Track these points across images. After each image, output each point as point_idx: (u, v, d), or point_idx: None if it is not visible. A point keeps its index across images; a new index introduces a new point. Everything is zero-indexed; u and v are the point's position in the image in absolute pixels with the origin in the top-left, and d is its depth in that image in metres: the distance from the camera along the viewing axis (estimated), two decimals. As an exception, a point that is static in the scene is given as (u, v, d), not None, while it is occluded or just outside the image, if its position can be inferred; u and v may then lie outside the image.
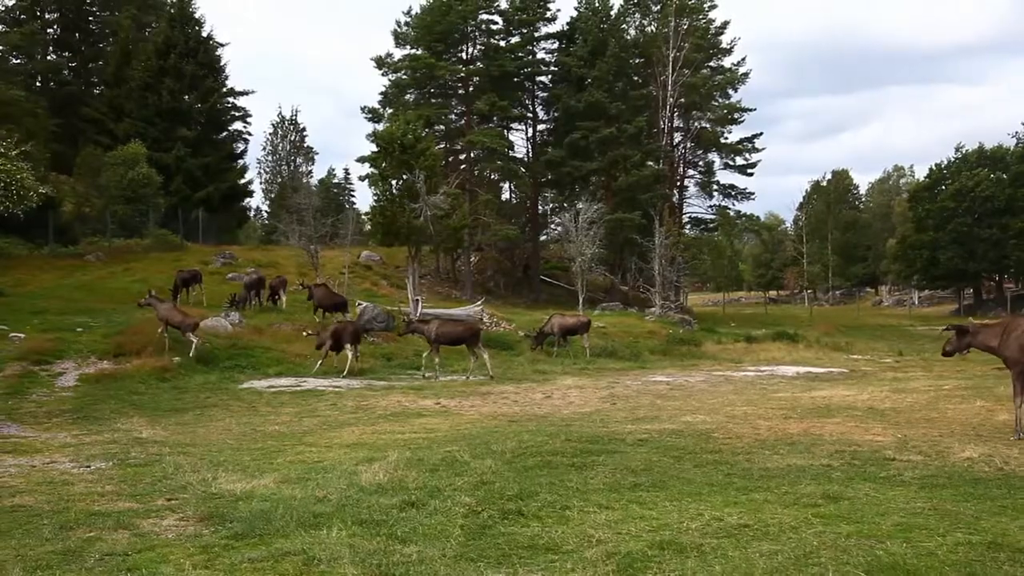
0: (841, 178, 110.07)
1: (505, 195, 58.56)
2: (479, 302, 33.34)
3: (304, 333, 24.81)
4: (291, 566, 6.44)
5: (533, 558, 6.75)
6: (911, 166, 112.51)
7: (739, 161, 57.02)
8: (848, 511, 8.13)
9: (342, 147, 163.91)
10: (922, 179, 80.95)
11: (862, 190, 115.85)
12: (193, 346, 22.39)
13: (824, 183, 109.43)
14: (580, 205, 40.34)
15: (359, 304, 30.59)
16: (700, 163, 58.84)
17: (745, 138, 57.37)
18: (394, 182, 32.16)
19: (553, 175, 52.38)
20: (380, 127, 47.91)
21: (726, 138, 57.26)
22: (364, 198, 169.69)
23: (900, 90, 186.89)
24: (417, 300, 28.22)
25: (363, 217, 56.61)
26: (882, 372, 26.72)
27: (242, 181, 58.95)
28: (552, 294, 53.68)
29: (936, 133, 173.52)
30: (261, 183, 67.49)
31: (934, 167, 75.70)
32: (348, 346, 22.82)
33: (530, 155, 54.94)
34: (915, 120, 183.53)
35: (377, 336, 27.92)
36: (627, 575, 6.35)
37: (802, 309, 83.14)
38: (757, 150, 56.90)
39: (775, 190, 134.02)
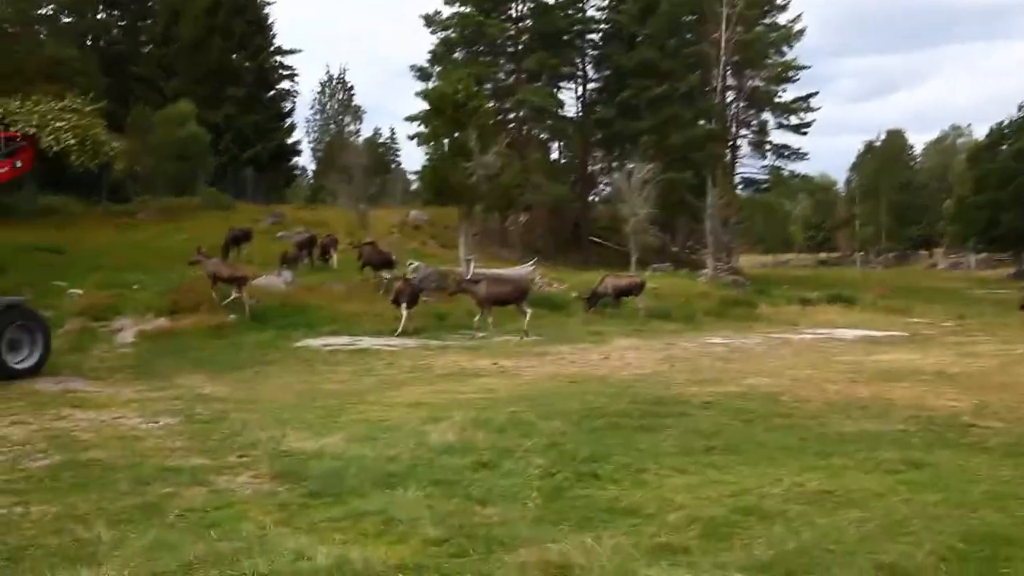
0: (895, 138, 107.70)
1: (554, 155, 58.12)
2: (531, 262, 33.19)
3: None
4: (371, 525, 6.39)
5: (613, 521, 6.65)
6: (969, 125, 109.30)
7: (793, 120, 55.96)
8: (933, 478, 7.93)
9: (388, 107, 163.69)
10: (982, 139, 79.14)
11: (917, 151, 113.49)
12: (243, 302, 22.61)
13: (878, 143, 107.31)
14: (632, 165, 39.81)
15: (410, 263, 30.54)
16: (753, 123, 57.84)
17: (799, 97, 56.18)
18: (446, 141, 31.99)
19: (603, 134, 51.82)
20: (430, 85, 47.68)
21: (780, 97, 56.22)
22: (412, 157, 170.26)
23: (957, 48, 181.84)
24: (469, 260, 28.17)
25: (411, 176, 56.59)
26: (944, 336, 26.18)
27: (290, 140, 59.13)
28: (601, 255, 53.23)
29: (992, 92, 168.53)
30: (309, 142, 67.71)
31: (995, 126, 73.95)
32: (404, 306, 22.86)
33: (580, 114, 54.36)
34: (972, 78, 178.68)
35: (429, 295, 27.86)
36: (712, 540, 6.22)
37: (854, 271, 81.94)
38: (812, 109, 55.68)
39: (827, 150, 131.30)
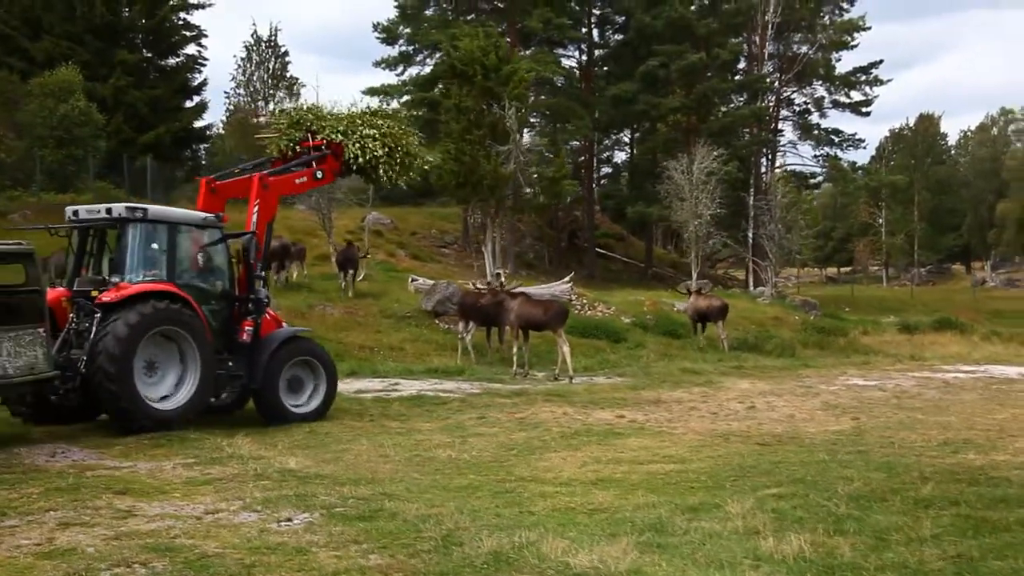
0: (927, 125, 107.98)
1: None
2: (567, 279, 31.63)
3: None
4: None
5: None
6: (1023, 108, 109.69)
7: (854, 97, 55.21)
8: None
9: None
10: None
11: (951, 140, 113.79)
12: None
13: (905, 131, 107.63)
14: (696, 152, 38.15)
15: (412, 279, 28.81)
16: (799, 101, 56.97)
17: (860, 67, 55.34)
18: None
19: (619, 115, 50.30)
20: (396, 51, 46.03)
21: (834, 66, 55.27)
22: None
23: (981, 15, 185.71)
24: (499, 273, 26.48)
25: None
26: None
27: (199, 124, 56.71)
28: (608, 269, 52.01)
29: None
30: (224, 121, 65.14)
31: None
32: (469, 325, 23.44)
33: (581, 88, 52.71)
34: (1002, 50, 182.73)
35: (449, 321, 26.20)
36: None
37: (886, 290, 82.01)
38: (880, 82, 54.92)
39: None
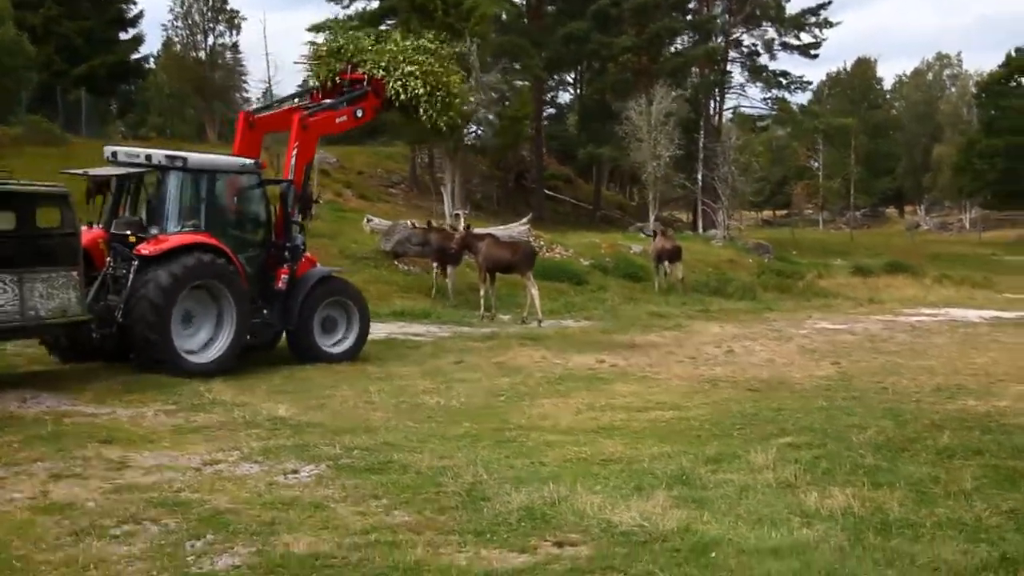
0: (864, 68, 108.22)
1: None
2: (525, 220, 31.19)
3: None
4: None
5: None
6: (959, 54, 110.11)
7: (804, 39, 55.09)
8: None
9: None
10: (994, 69, 78.91)
11: (887, 85, 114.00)
12: None
13: (843, 74, 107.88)
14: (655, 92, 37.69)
15: (368, 219, 28.20)
16: (748, 42, 56.64)
17: (809, 8, 55.21)
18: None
19: (570, 54, 49.59)
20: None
21: (784, 7, 55.03)
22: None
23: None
24: (459, 213, 25.90)
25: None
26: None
27: (136, 56, 55.16)
28: (556, 211, 51.56)
29: (962, 14, 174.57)
30: (155, 55, 63.45)
31: (1014, 52, 73.94)
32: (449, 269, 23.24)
33: (528, 25, 51.84)
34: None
35: (409, 262, 25.66)
36: None
37: (824, 233, 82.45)
38: (829, 24, 54.83)
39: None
